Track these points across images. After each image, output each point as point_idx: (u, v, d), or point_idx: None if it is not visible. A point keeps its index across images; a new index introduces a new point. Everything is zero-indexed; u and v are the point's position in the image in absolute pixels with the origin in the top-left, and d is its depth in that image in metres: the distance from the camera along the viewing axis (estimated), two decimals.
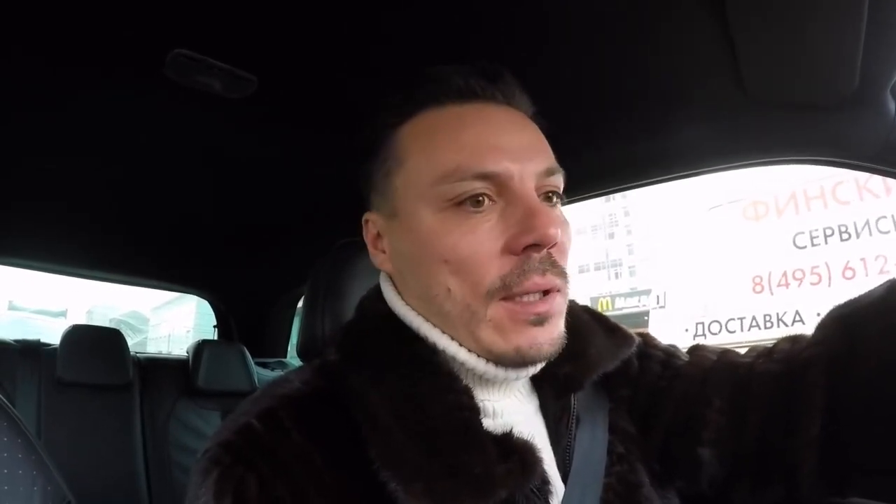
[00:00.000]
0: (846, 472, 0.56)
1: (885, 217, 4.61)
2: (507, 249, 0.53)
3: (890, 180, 0.97)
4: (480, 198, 0.54)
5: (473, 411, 0.54)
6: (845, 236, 4.84)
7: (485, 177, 0.54)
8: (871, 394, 0.54)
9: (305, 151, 1.31)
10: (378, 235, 0.64)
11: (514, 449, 0.52)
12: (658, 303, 6.32)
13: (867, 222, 4.71)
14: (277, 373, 2.33)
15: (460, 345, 0.57)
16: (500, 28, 0.88)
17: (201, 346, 2.06)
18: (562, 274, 0.55)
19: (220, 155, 1.33)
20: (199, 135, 1.23)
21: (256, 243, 1.98)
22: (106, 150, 1.29)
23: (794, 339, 0.65)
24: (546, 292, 0.54)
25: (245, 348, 2.16)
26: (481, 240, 0.53)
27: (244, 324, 2.49)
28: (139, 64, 0.95)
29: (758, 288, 5.33)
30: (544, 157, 0.58)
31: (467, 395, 0.55)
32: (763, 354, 0.65)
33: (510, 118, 0.59)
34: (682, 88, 0.99)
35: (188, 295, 2.65)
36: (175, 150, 1.30)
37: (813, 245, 5.05)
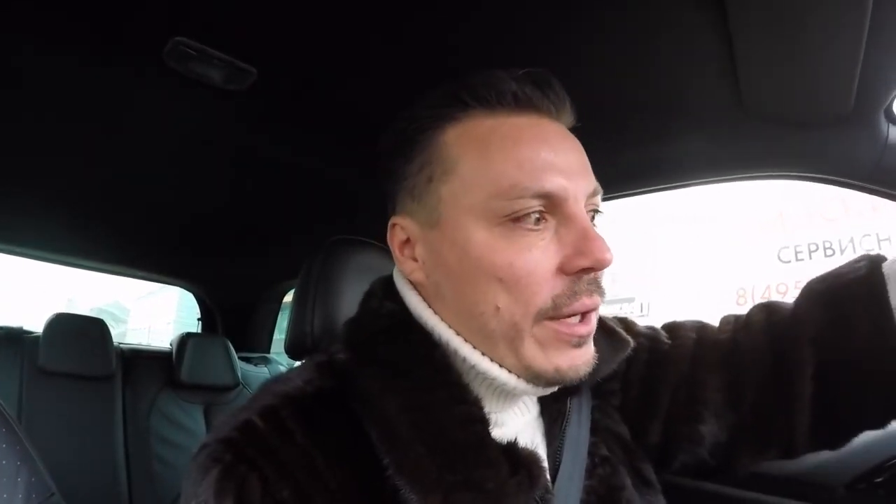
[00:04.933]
0: (838, 428, 0.63)
1: (868, 235, 4.67)
2: (561, 270, 0.53)
3: (876, 199, 0.99)
4: (540, 216, 0.53)
5: (484, 423, 0.54)
6: (829, 252, 4.89)
7: (544, 195, 0.53)
8: (861, 364, 0.60)
9: (300, 147, 1.30)
10: (407, 241, 0.61)
11: (521, 462, 0.53)
12: (641, 311, 6.32)
13: (851, 240, 4.77)
14: (261, 368, 2.32)
15: (492, 360, 0.56)
16: (498, 35, 0.88)
17: (185, 339, 2.04)
18: (602, 294, 0.56)
19: (213, 147, 1.32)
20: (193, 125, 1.21)
21: (245, 237, 1.97)
22: (98, 137, 1.27)
23: (769, 309, 0.69)
24: (584, 314, 0.54)
25: (229, 342, 2.14)
26: (538, 259, 0.53)
27: (229, 318, 2.48)
28: (138, 50, 0.94)
29: (741, 300, 5.37)
30: (591, 177, 0.58)
31: (477, 406, 0.55)
32: (740, 326, 0.70)
33: (563, 135, 0.58)
34: (681, 99, 0.99)
35: (169, 287, 2.62)
36: (168, 140, 1.29)
37: (797, 260, 5.10)
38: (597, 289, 0.55)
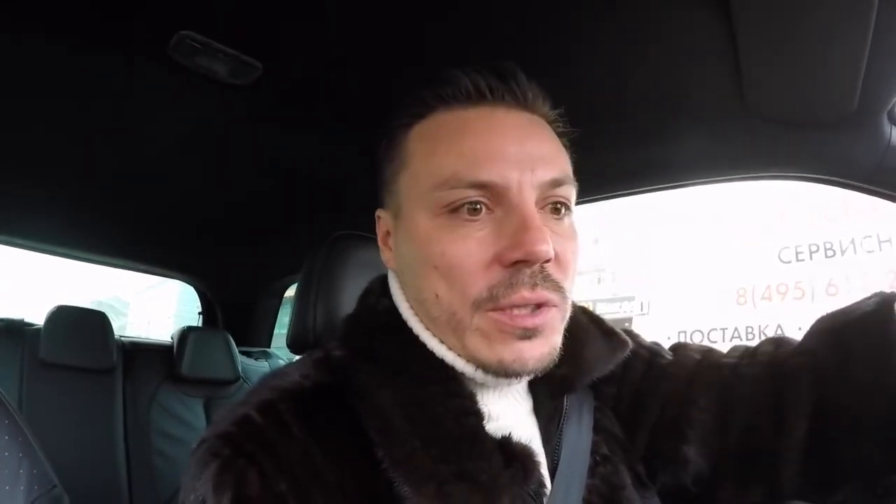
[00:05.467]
0: (829, 476, 0.59)
1: (869, 236, 4.67)
2: (497, 261, 0.52)
3: (878, 201, 0.99)
4: (477, 206, 0.53)
5: (478, 416, 0.55)
6: (830, 253, 4.89)
7: (480, 186, 0.53)
8: (861, 406, 0.56)
9: (304, 142, 1.31)
10: (388, 233, 0.64)
11: (515, 455, 0.53)
12: (642, 310, 6.32)
13: (852, 240, 4.76)
14: (262, 362, 2.33)
15: (449, 349, 0.57)
16: (500, 33, 0.88)
17: (186, 333, 2.04)
18: (557, 288, 0.54)
19: (217, 141, 1.32)
20: (198, 119, 1.21)
21: (247, 231, 1.97)
22: (100, 129, 1.27)
23: (778, 342, 0.67)
24: (538, 306, 0.53)
25: (230, 336, 2.15)
26: (471, 249, 0.53)
27: (229, 312, 2.48)
28: (144, 43, 0.94)
29: (741, 300, 5.38)
30: (551, 166, 0.56)
31: (471, 399, 0.56)
32: (747, 355, 0.67)
33: (518, 124, 0.58)
34: (683, 98, 0.99)
35: (170, 281, 2.62)
36: (172, 134, 1.29)
37: (798, 260, 5.10)
38: (543, 282, 0.52)
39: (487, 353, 0.53)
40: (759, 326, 5.13)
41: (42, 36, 0.94)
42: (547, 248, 0.51)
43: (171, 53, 0.94)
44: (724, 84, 0.91)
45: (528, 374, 0.55)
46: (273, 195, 1.65)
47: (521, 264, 0.52)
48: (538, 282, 0.52)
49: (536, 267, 0.52)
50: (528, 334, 0.53)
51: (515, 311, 0.52)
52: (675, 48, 0.87)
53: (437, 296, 0.54)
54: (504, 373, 0.54)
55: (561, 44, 0.89)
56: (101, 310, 1.98)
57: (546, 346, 0.54)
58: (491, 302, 0.52)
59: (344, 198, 1.54)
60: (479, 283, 0.52)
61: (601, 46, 0.89)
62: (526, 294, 0.52)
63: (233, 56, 0.95)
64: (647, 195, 1.31)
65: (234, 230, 1.97)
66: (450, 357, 0.56)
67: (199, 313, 2.54)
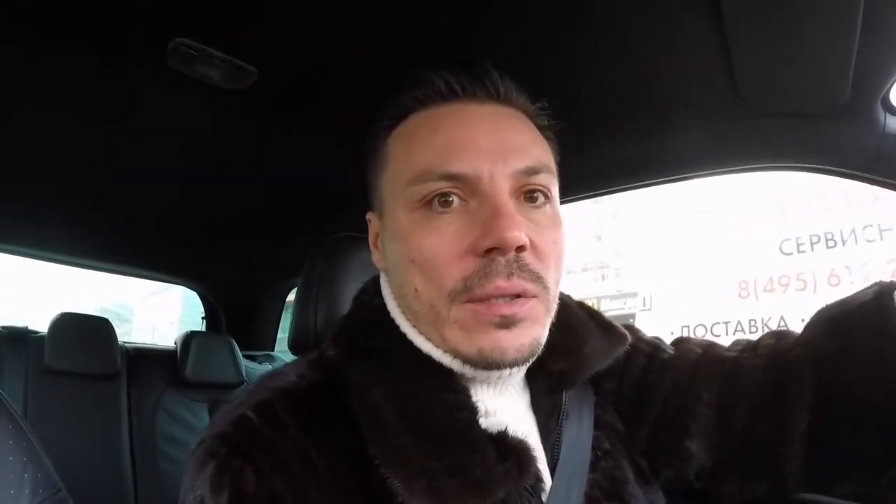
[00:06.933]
0: (831, 469, 0.58)
1: (870, 226, 4.66)
2: (471, 250, 0.52)
3: (877, 190, 0.99)
4: (449, 198, 0.54)
5: (472, 411, 0.55)
6: (831, 244, 4.89)
7: (452, 177, 0.53)
8: (861, 395, 0.55)
9: (301, 146, 1.31)
10: (377, 235, 0.65)
11: (510, 450, 0.53)
12: (644, 305, 6.32)
13: (853, 230, 4.76)
14: (265, 366, 2.33)
15: (435, 346, 0.56)
16: (497, 29, 0.88)
17: (190, 337, 2.05)
18: (535, 278, 0.53)
19: (215, 146, 1.33)
20: (195, 125, 1.22)
21: (247, 235, 1.98)
22: (100, 136, 1.28)
23: (779, 335, 0.67)
24: (515, 297, 0.52)
25: (233, 340, 2.15)
26: (445, 240, 0.53)
27: (232, 316, 2.48)
28: (141, 51, 0.95)
29: (744, 293, 5.37)
30: (523, 155, 0.56)
31: (465, 394, 0.56)
32: (748, 349, 0.67)
33: (489, 116, 0.58)
34: (678, 93, 1.00)
35: (173, 286, 2.64)
36: (171, 139, 1.29)
37: (799, 252, 5.10)
38: (519, 272, 0.52)
39: (466, 344, 0.53)
40: (762, 319, 5.13)
41: (42, 47, 0.95)
42: (518, 234, 0.50)
43: (168, 60, 0.95)
44: (718, 78, 0.92)
45: (510, 366, 0.54)
46: (273, 198, 1.66)
47: (494, 252, 0.51)
48: (514, 271, 0.51)
49: (511, 255, 0.51)
50: (507, 322, 0.52)
51: (493, 301, 0.52)
52: (669, 44, 0.88)
53: (416, 290, 0.55)
54: (485, 363, 0.53)
55: (557, 42, 0.90)
56: (106, 316, 1.99)
57: (527, 337, 0.53)
58: (466, 293, 0.52)
59: (344, 199, 1.54)
60: (453, 275, 0.52)
61: (596, 44, 0.90)
62: (501, 283, 0.51)
63: (228, 62, 0.96)
64: (647, 189, 1.32)
65: (236, 234, 1.97)
66: (433, 352, 0.56)
67: (203, 318, 2.55)
